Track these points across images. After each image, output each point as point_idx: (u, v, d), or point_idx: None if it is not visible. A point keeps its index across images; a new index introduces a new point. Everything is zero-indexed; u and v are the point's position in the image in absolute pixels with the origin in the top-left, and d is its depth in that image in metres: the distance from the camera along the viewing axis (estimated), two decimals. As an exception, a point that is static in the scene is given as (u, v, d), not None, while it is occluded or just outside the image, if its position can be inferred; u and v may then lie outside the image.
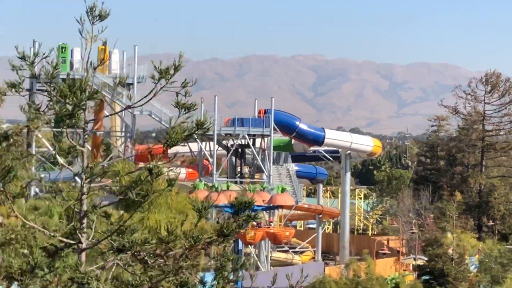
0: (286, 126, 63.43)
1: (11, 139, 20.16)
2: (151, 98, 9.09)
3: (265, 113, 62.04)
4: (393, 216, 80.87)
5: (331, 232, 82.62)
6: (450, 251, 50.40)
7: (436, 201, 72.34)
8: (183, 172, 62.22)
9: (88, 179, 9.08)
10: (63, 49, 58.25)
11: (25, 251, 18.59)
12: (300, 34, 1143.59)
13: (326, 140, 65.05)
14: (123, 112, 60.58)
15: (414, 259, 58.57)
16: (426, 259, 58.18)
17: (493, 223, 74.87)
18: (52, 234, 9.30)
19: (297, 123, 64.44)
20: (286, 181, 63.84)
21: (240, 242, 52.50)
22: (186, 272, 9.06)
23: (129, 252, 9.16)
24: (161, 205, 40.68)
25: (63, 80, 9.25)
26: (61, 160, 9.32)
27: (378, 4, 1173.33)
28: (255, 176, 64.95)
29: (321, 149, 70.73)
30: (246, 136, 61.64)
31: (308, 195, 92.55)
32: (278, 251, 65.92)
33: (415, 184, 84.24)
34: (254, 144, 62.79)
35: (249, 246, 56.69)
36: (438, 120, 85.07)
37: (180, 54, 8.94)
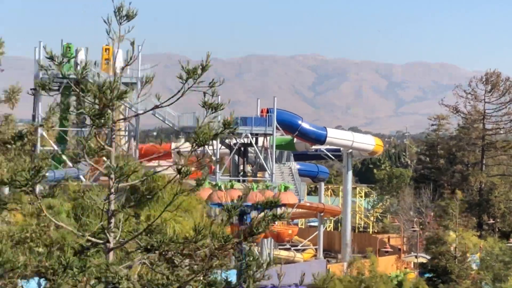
0: (288, 125, 63.70)
1: (25, 139, 20.49)
2: (179, 98, 9.30)
3: (267, 112, 62.25)
4: (393, 214, 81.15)
5: (332, 230, 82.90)
6: (451, 249, 50.67)
7: (437, 200, 72.70)
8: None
9: (118, 179, 9.17)
10: (68, 49, 58.52)
11: (40, 249, 18.85)
12: (300, 34, 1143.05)
13: (328, 139, 65.29)
14: (126, 111, 60.80)
15: (416, 257, 58.85)
16: (428, 257, 58.49)
17: (493, 221, 75.22)
18: (81, 233, 9.38)
19: (300, 122, 64.72)
20: (289, 179, 64.04)
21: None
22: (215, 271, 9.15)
23: (156, 252, 9.24)
24: (165, 203, 40.93)
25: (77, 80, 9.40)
26: (89, 160, 9.44)
27: (377, 5, 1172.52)
28: (258, 175, 65.15)
29: (323, 147, 70.96)
30: (249, 135, 61.84)
31: (308, 194, 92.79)
32: (280, 249, 66.17)
33: (415, 183, 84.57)
34: (256, 143, 62.99)
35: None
36: (438, 119, 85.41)
37: (207, 54, 9.16)
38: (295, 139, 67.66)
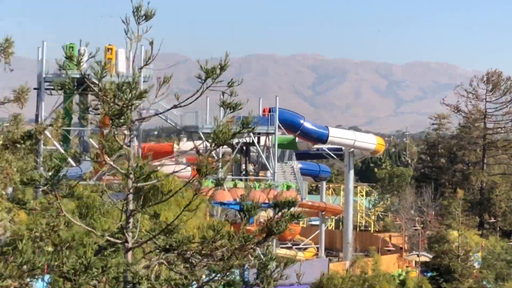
0: (290, 124, 63.82)
1: (35, 138, 20.52)
2: (197, 98, 9.35)
3: (269, 111, 62.36)
4: (395, 213, 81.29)
5: (333, 229, 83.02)
6: (454, 247, 50.74)
7: (438, 199, 72.88)
8: (188, 169, 62.48)
9: (137, 179, 9.16)
10: (71, 49, 58.57)
11: (50, 248, 18.91)
12: (300, 34, 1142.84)
13: (330, 138, 65.40)
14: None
15: (417, 255, 58.95)
16: (430, 255, 58.58)
17: (494, 220, 75.37)
18: (100, 233, 9.37)
19: (302, 121, 64.83)
20: (291, 178, 64.18)
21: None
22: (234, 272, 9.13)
23: (175, 252, 9.21)
24: (170, 202, 41.00)
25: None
26: (109, 160, 9.44)
27: (377, 5, 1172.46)
28: (260, 174, 65.25)
29: (324, 147, 71.08)
30: (251, 134, 61.93)
31: (309, 193, 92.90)
32: (281, 247, 66.27)
33: (416, 182, 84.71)
34: (259, 142, 63.10)
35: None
36: (439, 119, 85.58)
37: (226, 54, 9.21)
38: (297, 138, 67.78)
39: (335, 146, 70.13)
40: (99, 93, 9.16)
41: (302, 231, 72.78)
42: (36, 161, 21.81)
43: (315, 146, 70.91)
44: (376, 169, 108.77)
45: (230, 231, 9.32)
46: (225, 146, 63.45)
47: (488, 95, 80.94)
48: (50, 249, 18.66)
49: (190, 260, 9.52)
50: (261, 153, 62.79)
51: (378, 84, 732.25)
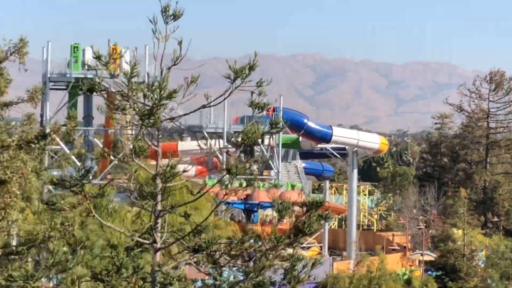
0: (294, 124, 63.86)
1: (49, 138, 20.56)
2: (226, 97, 9.38)
3: (273, 111, 62.41)
4: (398, 212, 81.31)
5: (336, 228, 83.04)
6: (460, 246, 50.78)
7: (441, 198, 72.94)
8: (192, 169, 62.57)
9: (167, 179, 9.14)
10: (75, 49, 58.62)
11: (65, 248, 18.92)
12: (300, 34, 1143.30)
13: (333, 138, 65.48)
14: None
15: (421, 254, 58.98)
16: (433, 254, 58.60)
17: (497, 219, 75.42)
18: (130, 234, 9.34)
19: (305, 121, 64.92)
20: (295, 178, 64.25)
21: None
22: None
23: (204, 252, 9.17)
24: (176, 202, 40.97)
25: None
26: (137, 161, 9.45)
27: (377, 4, 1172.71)
28: (264, 173, 65.30)
29: (328, 146, 71.14)
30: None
31: (312, 192, 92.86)
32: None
33: (418, 181, 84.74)
34: (262, 141, 63.18)
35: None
36: (441, 118, 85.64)
37: (255, 53, 9.23)
38: (300, 138, 67.83)
39: (339, 146, 70.20)
40: (129, 93, 9.11)
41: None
42: (41, 160, 21.80)
43: (319, 145, 70.98)
44: (378, 168, 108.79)
45: (260, 233, 9.28)
46: (229, 146, 63.65)
47: (491, 95, 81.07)
48: (65, 249, 18.69)
49: (218, 260, 9.49)
50: (265, 152, 62.85)
51: (378, 84, 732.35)
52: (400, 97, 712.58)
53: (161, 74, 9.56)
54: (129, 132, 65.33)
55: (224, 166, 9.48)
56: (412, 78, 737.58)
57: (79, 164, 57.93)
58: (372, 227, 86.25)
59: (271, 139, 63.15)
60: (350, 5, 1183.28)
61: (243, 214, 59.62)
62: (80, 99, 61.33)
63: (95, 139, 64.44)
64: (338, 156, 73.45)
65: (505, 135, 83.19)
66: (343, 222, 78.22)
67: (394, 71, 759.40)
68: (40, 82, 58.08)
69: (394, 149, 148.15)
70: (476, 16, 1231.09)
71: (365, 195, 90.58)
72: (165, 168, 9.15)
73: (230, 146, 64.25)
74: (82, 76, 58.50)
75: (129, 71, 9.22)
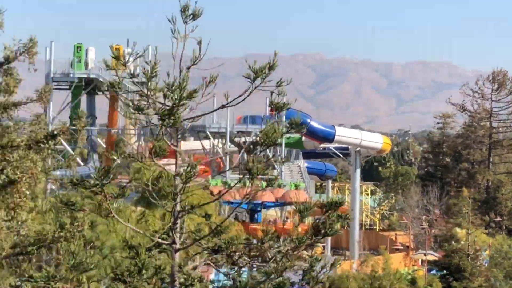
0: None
1: (58, 138, 20.52)
2: (246, 97, 9.34)
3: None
4: (400, 212, 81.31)
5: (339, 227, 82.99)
6: (464, 246, 50.78)
7: (444, 197, 72.97)
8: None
9: (187, 179, 9.11)
10: (78, 49, 58.70)
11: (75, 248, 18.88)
12: (300, 34, 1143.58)
13: (336, 138, 65.45)
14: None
15: (424, 254, 58.97)
16: (436, 254, 58.58)
17: (500, 219, 75.42)
18: (150, 234, 9.29)
19: (308, 120, 64.86)
20: (298, 177, 64.25)
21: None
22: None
23: (224, 253, 9.12)
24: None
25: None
26: (156, 160, 9.41)
27: (377, 4, 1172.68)
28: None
29: (331, 146, 71.13)
30: (258, 134, 61.94)
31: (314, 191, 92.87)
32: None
33: (421, 181, 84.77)
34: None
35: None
36: (444, 118, 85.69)
37: (275, 53, 9.20)
38: (303, 138, 67.79)
39: (342, 145, 70.19)
40: (149, 93, 9.08)
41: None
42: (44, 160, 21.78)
43: (322, 145, 70.96)
44: (380, 168, 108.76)
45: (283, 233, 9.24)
46: (232, 146, 63.67)
47: (494, 94, 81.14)
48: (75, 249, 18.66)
49: (237, 261, 9.44)
50: (268, 152, 62.90)
51: (379, 84, 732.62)
52: (400, 97, 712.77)
53: (180, 74, 9.51)
54: (132, 132, 65.23)
55: (245, 166, 9.40)
56: (412, 78, 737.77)
57: (82, 164, 57.93)
58: (374, 227, 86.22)
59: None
60: (350, 5, 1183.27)
61: (246, 214, 59.64)
62: (83, 99, 61.42)
63: (98, 139, 64.51)
64: (341, 156, 73.44)
65: (507, 135, 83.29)
66: (346, 222, 78.00)
67: (395, 71, 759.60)
68: (43, 82, 58.06)
69: (396, 148, 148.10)
70: (476, 16, 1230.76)
71: (367, 194, 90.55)
72: (186, 168, 9.11)
73: (233, 146, 64.25)
74: (85, 76, 58.60)
75: (149, 71, 9.16)
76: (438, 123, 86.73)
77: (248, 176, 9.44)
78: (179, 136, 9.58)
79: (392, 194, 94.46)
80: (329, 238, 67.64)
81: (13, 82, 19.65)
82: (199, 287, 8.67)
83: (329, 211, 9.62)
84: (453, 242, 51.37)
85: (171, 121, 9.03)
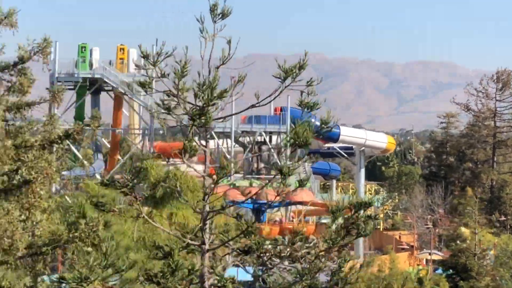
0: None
1: (71, 138, 20.43)
2: (275, 97, 9.29)
3: (281, 110, 62.39)
4: (404, 211, 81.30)
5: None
6: (471, 246, 50.69)
7: (448, 197, 72.94)
8: (199, 168, 62.49)
9: (220, 179, 9.03)
10: (83, 49, 58.71)
11: (89, 248, 18.82)
12: (300, 34, 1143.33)
13: (341, 137, 65.47)
14: (141, 109, 61.10)
15: (429, 254, 58.91)
16: (441, 254, 58.51)
17: (505, 219, 75.41)
18: (181, 234, 9.19)
19: (313, 120, 64.84)
20: (303, 177, 64.17)
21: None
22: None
23: (255, 254, 9.02)
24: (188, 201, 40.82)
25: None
26: (186, 161, 9.33)
27: (377, 4, 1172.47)
28: (271, 173, 65.26)
29: (335, 145, 71.10)
30: (263, 134, 61.95)
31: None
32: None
33: (425, 180, 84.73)
34: (270, 141, 63.13)
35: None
36: (447, 117, 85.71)
37: (305, 52, 9.14)
38: (308, 137, 67.76)
39: (346, 145, 70.15)
40: (179, 92, 9.00)
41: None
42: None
43: (326, 145, 70.91)
44: (383, 168, 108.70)
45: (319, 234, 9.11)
46: (236, 146, 63.61)
47: (498, 94, 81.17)
48: (89, 249, 18.61)
49: (267, 262, 9.35)
50: (273, 152, 62.82)
51: (379, 83, 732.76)
52: (401, 97, 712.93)
53: (209, 74, 9.44)
54: (136, 131, 65.21)
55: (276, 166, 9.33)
56: (412, 77, 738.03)
57: (86, 163, 57.85)
58: (378, 226, 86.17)
59: (279, 138, 63.09)
60: (350, 5, 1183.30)
61: (251, 214, 59.62)
62: (88, 99, 61.40)
63: (102, 139, 64.49)
64: (345, 155, 73.40)
65: (511, 134, 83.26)
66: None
67: (395, 70, 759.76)
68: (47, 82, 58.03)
69: (398, 148, 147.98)
70: (476, 16, 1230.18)
71: (371, 194, 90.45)
72: (217, 168, 9.06)
73: (237, 145, 64.22)
74: (90, 76, 58.58)
75: (180, 70, 9.09)
76: (441, 122, 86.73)
77: (280, 176, 9.32)
78: (208, 136, 9.52)
79: (396, 193, 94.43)
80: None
81: (27, 82, 19.62)
82: (231, 288, 8.57)
83: (358, 212, 9.51)
84: (458, 242, 51.29)
85: (202, 121, 8.95)
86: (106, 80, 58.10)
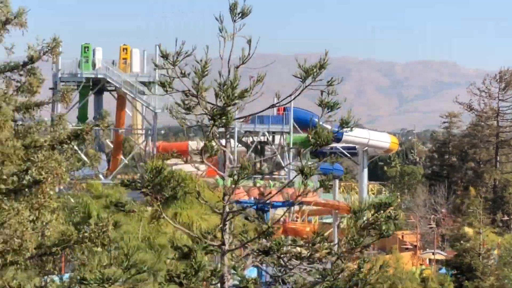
0: (305, 123, 63.70)
1: (81, 138, 20.40)
2: (295, 97, 9.25)
3: (284, 110, 62.31)
4: (406, 211, 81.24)
5: (345, 226, 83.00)
6: (476, 245, 50.67)
7: (451, 197, 72.91)
8: (202, 168, 62.48)
9: (240, 179, 8.98)
10: (86, 49, 58.66)
11: (99, 249, 18.76)
12: (300, 34, 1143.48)
13: (344, 137, 65.28)
14: (144, 109, 61.03)
15: (433, 253, 58.88)
16: (444, 253, 58.47)
17: (508, 218, 75.39)
18: (201, 235, 9.16)
19: (316, 120, 64.78)
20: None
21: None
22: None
23: (275, 254, 8.99)
24: (192, 201, 40.86)
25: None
26: (206, 161, 9.29)
27: (377, 4, 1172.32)
28: (274, 173, 65.18)
29: (338, 145, 70.99)
30: (266, 133, 61.89)
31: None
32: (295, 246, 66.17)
33: (427, 180, 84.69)
34: (273, 141, 63.06)
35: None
36: (450, 117, 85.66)
37: (325, 52, 9.11)
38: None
39: (349, 145, 70.04)
40: (199, 93, 8.96)
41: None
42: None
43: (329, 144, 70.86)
44: (385, 168, 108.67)
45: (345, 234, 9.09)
46: (239, 145, 63.52)
47: (501, 94, 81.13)
48: (99, 249, 18.56)
49: (286, 263, 9.33)
50: (276, 152, 62.76)
51: (380, 83, 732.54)
52: (402, 96, 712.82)
53: (228, 73, 9.41)
54: (139, 132, 65.08)
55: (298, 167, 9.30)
56: (413, 77, 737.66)
57: (95, 164, 57.77)
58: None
59: (282, 138, 63.04)
60: (350, 5, 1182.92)
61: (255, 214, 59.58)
62: (91, 99, 61.32)
63: (107, 140, 64.47)
64: (348, 155, 73.31)
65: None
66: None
67: (396, 70, 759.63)
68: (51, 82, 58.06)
69: (400, 148, 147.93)
70: (476, 16, 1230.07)
71: (373, 194, 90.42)
72: (237, 168, 9.01)
73: (240, 145, 64.15)
74: (93, 76, 58.53)
75: (200, 70, 9.05)
76: (444, 122, 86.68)
77: (302, 177, 9.29)
78: (228, 136, 9.48)
79: (398, 193, 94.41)
80: (336, 237, 67.41)
81: (37, 82, 19.59)
82: (252, 288, 8.52)
83: (378, 212, 9.48)
84: (462, 242, 51.27)
85: (223, 121, 8.91)
86: (109, 80, 58.05)
